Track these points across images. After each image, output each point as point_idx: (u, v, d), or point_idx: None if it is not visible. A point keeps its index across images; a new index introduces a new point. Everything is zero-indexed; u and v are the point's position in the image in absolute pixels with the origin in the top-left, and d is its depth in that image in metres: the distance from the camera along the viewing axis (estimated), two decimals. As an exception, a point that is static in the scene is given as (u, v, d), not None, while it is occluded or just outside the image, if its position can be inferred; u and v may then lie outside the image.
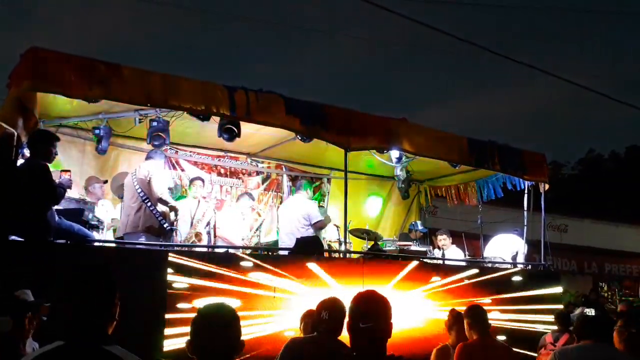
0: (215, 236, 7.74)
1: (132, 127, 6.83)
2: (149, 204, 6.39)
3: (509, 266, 8.21)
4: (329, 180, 9.70)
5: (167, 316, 5.00)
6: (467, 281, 7.07)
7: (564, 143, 69.48)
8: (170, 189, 7.67)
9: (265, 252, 7.51)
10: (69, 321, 2.11)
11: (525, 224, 8.80)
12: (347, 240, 7.46)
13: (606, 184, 35.67)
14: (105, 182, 7.16)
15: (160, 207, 6.59)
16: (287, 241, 7.25)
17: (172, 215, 6.56)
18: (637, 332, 3.66)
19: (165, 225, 6.44)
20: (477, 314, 4.47)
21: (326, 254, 7.29)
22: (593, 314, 7.63)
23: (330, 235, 8.40)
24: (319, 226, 7.59)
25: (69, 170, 5.58)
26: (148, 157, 6.85)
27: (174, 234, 6.74)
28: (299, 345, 3.91)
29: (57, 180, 5.28)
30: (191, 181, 7.73)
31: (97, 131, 6.51)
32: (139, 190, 6.45)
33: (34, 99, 5.27)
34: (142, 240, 6.30)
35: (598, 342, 3.33)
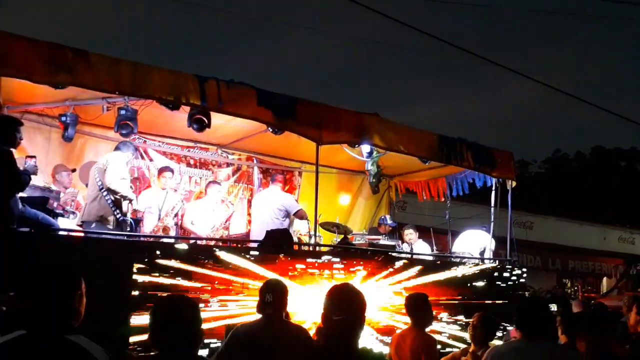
0: (181, 228, 7.67)
1: (100, 115, 6.70)
2: (104, 193, 6.29)
3: (476, 261, 8.33)
4: (300, 174, 9.69)
5: (133, 306, 4.93)
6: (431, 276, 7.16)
7: (531, 142, 70.70)
8: (136, 179, 7.57)
9: (235, 245, 7.45)
10: (32, 311, 2.07)
11: (492, 220, 8.94)
12: (317, 234, 7.48)
13: (571, 183, 36.46)
14: (74, 170, 7.03)
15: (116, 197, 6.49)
16: (260, 232, 7.22)
17: (124, 205, 6.44)
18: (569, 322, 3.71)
19: (117, 216, 6.34)
20: (411, 303, 4.63)
21: (295, 247, 7.28)
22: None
23: (300, 228, 8.40)
24: (300, 215, 7.60)
25: (34, 156, 5.45)
26: (116, 148, 6.75)
27: (137, 225, 6.63)
28: (248, 331, 3.91)
29: (22, 167, 5.16)
30: (160, 171, 7.63)
31: (63, 118, 6.37)
32: (97, 179, 6.37)
33: (-3, 84, 5.13)
34: (94, 228, 6.19)
35: (535, 339, 3.04)
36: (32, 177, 5.32)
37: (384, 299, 6.65)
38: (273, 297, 3.91)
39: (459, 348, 5.47)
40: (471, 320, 4.43)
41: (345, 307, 2.40)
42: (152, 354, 2.40)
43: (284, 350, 3.65)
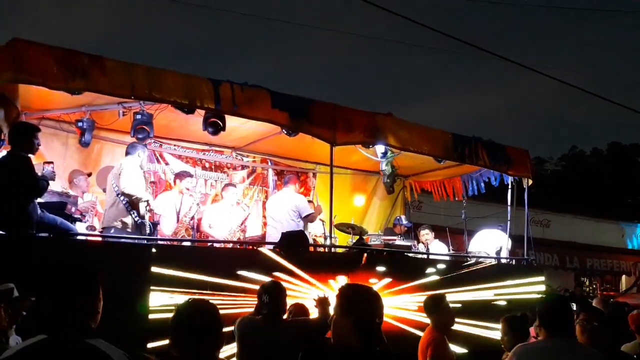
0: (198, 231, 7.71)
1: (116, 120, 6.77)
2: (121, 197, 6.34)
3: (493, 260, 8.28)
4: (314, 175, 9.70)
5: (151, 312, 4.97)
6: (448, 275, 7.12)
7: (547, 139, 70.02)
8: (153, 182, 7.61)
9: (251, 247, 7.48)
10: (52, 315, 2.09)
11: (509, 219, 8.88)
12: (333, 235, 7.48)
13: (588, 180, 36.09)
14: (90, 174, 7.09)
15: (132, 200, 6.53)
16: (275, 234, 7.24)
17: (142, 208, 6.48)
18: (599, 325, 3.65)
19: (135, 219, 6.39)
20: (432, 304, 4.64)
21: (311, 248, 7.29)
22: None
23: (315, 230, 8.40)
24: (309, 219, 7.61)
25: (51, 162, 5.50)
26: (126, 153, 6.80)
27: (154, 228, 6.67)
28: (250, 324, 4.14)
29: (39, 172, 5.21)
30: (180, 176, 7.66)
31: (80, 124, 6.44)
32: (114, 185, 6.41)
33: (15, 91, 5.20)
34: (113, 233, 6.24)
35: (559, 337, 3.04)
36: (50, 182, 5.38)
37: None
38: (269, 299, 4.10)
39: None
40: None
41: (382, 311, 2.46)
42: (171, 357, 2.41)
43: (279, 349, 3.86)
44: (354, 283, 2.59)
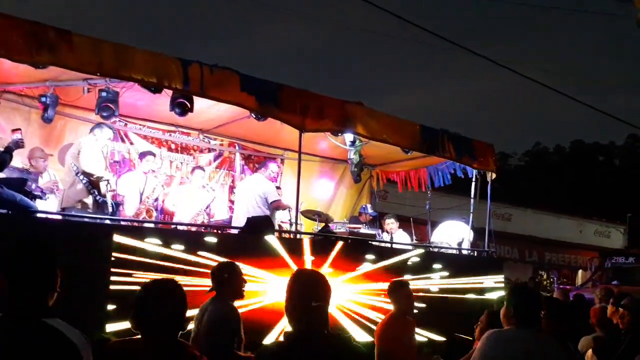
0: (163, 213, 7.63)
1: (80, 97, 6.60)
2: (80, 177, 6.23)
3: (454, 251, 8.42)
4: (282, 161, 9.67)
5: (111, 290, 4.91)
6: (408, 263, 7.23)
7: (512, 135, 71.25)
8: (117, 162, 7.49)
9: (215, 230, 7.44)
10: (8, 293, 2.05)
11: (472, 211, 9.03)
12: (298, 222, 7.48)
13: (550, 176, 36.94)
14: (50, 155, 6.96)
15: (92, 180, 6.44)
16: (242, 219, 7.21)
17: (102, 187, 6.39)
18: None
19: (97, 198, 6.30)
20: (398, 289, 4.76)
21: (276, 234, 7.29)
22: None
23: (281, 216, 8.40)
24: (275, 206, 7.59)
25: (19, 129, 5.38)
26: (91, 131, 6.67)
27: (117, 208, 6.58)
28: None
29: (9, 139, 5.10)
30: (142, 155, 7.56)
31: (43, 99, 6.27)
32: (72, 165, 6.30)
33: (-25, 62, 5.03)
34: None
35: (528, 328, 3.18)
36: (14, 153, 5.25)
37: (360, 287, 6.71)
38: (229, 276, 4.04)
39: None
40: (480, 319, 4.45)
41: (322, 293, 2.41)
42: (132, 337, 2.39)
43: None
44: (299, 269, 2.57)
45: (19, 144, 5.28)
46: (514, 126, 77.77)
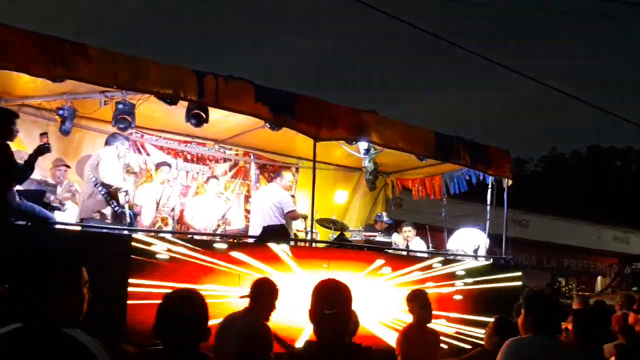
0: (180, 223, 7.68)
1: (97, 109, 6.68)
2: (99, 188, 6.30)
3: (470, 259, 8.35)
4: (297, 170, 9.69)
5: (130, 302, 4.94)
6: (428, 272, 7.18)
7: (528, 140, 70.60)
8: (134, 173, 7.55)
9: (232, 240, 7.47)
10: (29, 304, 2.06)
11: (488, 218, 8.97)
12: (314, 230, 7.48)
13: (567, 181, 36.58)
14: (68, 167, 7.06)
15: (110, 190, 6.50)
16: (258, 229, 7.22)
17: (121, 198, 6.45)
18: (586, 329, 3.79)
19: (115, 208, 6.35)
20: (415, 299, 4.75)
21: (292, 243, 7.29)
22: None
23: (297, 225, 8.41)
24: (291, 216, 7.61)
25: (45, 133, 5.47)
26: (106, 142, 6.74)
27: (135, 218, 6.64)
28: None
29: (37, 144, 5.22)
30: (157, 166, 7.63)
31: (60, 112, 6.34)
32: (91, 176, 6.37)
33: (-5, 77, 5.11)
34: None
35: (548, 335, 3.17)
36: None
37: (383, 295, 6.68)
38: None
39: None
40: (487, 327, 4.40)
41: (335, 301, 2.41)
42: (153, 348, 2.40)
43: None
44: (323, 279, 2.57)
45: (43, 151, 5.34)
46: (530, 132, 77.17)
